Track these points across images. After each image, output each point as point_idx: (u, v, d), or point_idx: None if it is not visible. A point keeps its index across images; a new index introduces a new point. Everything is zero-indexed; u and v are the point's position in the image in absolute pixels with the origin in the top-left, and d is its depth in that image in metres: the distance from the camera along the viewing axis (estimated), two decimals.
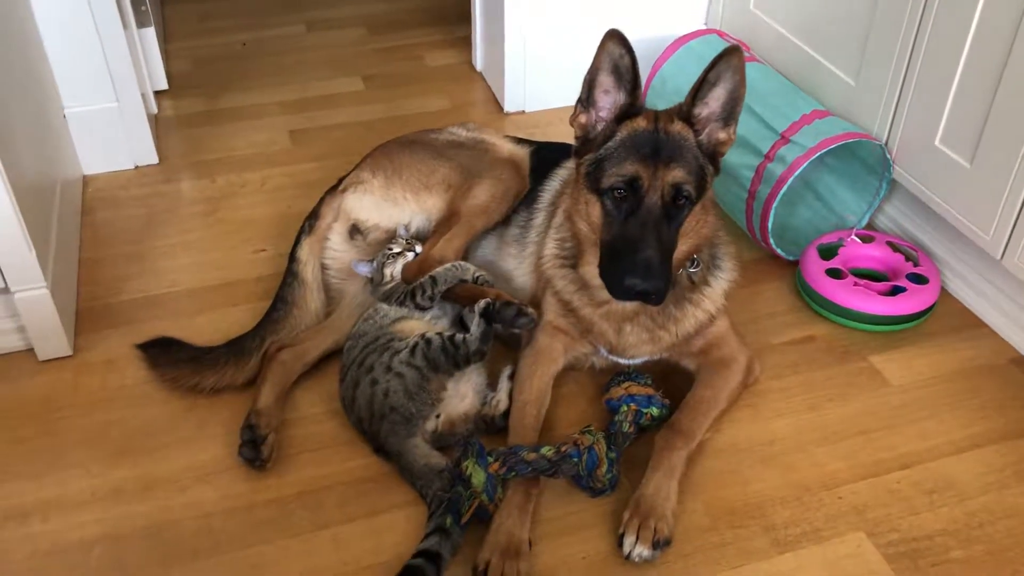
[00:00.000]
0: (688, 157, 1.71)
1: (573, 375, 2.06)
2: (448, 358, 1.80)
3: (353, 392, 1.85)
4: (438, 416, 1.82)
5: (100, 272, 2.41)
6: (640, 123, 1.73)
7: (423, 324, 1.94)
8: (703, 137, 1.75)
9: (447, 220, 2.15)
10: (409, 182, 2.19)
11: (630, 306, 1.86)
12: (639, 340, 1.91)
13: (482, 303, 1.85)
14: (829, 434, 1.93)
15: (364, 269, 2.08)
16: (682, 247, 1.78)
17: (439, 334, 1.83)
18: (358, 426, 1.86)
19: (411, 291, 1.98)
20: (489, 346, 1.83)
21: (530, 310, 1.87)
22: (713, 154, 1.77)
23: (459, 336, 1.82)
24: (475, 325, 1.83)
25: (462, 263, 2.03)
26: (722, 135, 1.76)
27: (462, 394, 1.85)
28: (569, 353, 2.00)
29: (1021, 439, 1.92)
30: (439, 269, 2.00)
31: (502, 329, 1.89)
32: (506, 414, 1.89)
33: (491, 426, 1.88)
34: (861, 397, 2.03)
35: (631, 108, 1.74)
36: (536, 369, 1.94)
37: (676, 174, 1.69)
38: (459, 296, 2.00)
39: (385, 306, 1.99)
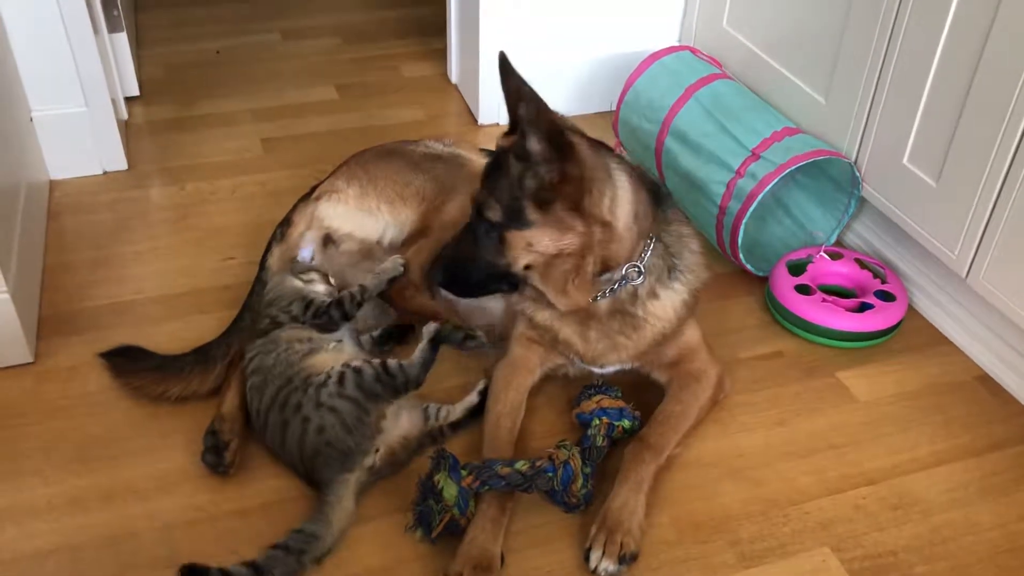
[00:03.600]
0: (501, 181, 1.67)
1: (541, 387, 2.05)
2: (385, 387, 1.73)
3: (282, 435, 1.75)
4: (377, 450, 1.75)
5: (65, 278, 2.37)
6: (503, 142, 1.73)
7: (331, 356, 1.85)
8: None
9: (419, 233, 2.13)
10: (384, 193, 2.18)
11: (582, 312, 1.84)
12: (606, 348, 1.89)
13: (432, 328, 1.81)
14: (796, 449, 1.94)
15: (306, 254, 2.08)
16: (563, 266, 1.71)
17: (367, 362, 1.76)
18: (293, 469, 1.78)
19: (339, 300, 1.92)
20: (427, 374, 1.77)
21: (479, 333, 1.86)
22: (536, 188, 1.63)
23: (392, 363, 1.75)
24: (419, 351, 1.77)
25: (394, 259, 2.03)
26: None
27: (396, 416, 1.79)
28: (545, 364, 1.98)
29: (985, 456, 1.94)
30: (370, 277, 1.99)
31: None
32: (455, 424, 1.87)
33: (440, 438, 1.85)
34: (828, 413, 2.04)
35: (511, 128, 1.71)
36: (512, 380, 1.92)
37: (481, 194, 1.71)
38: (399, 304, 1.98)
39: (287, 338, 1.87)
